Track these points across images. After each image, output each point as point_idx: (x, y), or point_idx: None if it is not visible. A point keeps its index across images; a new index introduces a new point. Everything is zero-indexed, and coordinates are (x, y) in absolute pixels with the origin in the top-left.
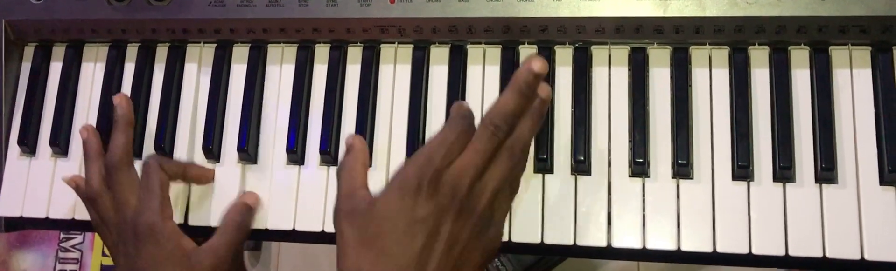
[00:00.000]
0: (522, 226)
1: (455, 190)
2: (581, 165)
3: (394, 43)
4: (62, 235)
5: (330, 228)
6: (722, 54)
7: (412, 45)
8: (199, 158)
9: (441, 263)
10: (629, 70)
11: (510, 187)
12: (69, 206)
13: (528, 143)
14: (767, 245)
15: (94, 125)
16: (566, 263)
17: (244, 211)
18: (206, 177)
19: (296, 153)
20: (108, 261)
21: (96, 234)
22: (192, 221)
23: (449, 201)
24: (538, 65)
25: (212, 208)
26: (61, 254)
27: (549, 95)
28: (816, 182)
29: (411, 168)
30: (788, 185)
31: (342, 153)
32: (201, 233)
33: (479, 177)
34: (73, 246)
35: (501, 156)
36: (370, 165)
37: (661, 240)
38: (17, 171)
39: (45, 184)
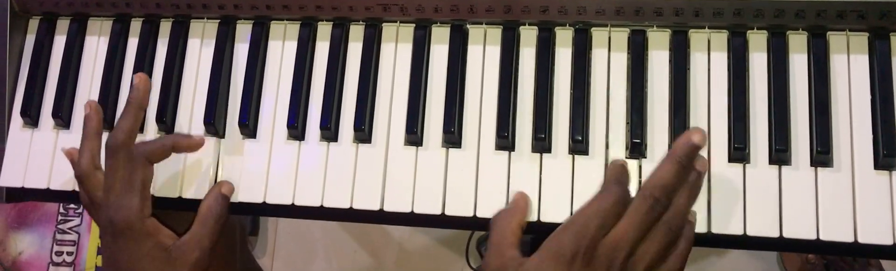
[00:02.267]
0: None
1: (610, 263)
2: (579, 145)
3: (396, 22)
4: (60, 217)
5: (329, 204)
6: (720, 38)
7: (414, 25)
8: (200, 133)
9: None
10: (628, 52)
11: (675, 266)
12: (70, 178)
13: (685, 219)
14: (763, 227)
15: (97, 99)
16: None
17: (220, 200)
18: (195, 145)
19: (296, 129)
20: None
21: None
22: (187, 195)
23: None
24: (698, 137)
25: (211, 183)
26: (58, 236)
27: (705, 169)
28: (812, 165)
29: (567, 235)
30: (784, 168)
31: (343, 130)
32: (197, 207)
33: (634, 251)
34: (70, 228)
35: (658, 231)
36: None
37: None
38: (20, 142)
39: (46, 156)
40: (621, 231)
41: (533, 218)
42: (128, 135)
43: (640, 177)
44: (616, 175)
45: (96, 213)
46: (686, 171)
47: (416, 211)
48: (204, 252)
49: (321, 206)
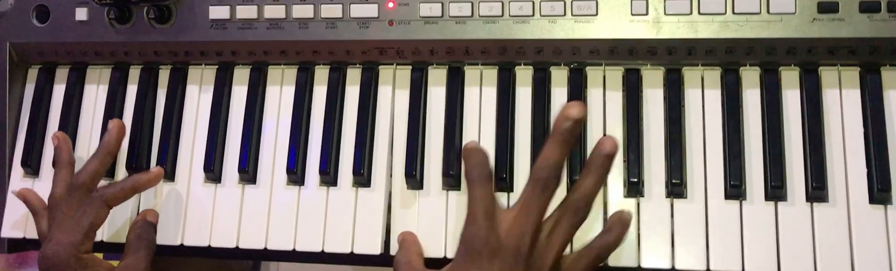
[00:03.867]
0: None
1: (517, 251)
2: None
3: (392, 64)
4: None
5: (329, 248)
6: (714, 75)
7: (410, 67)
8: (200, 179)
9: None
10: (623, 90)
11: (600, 252)
12: None
13: (593, 198)
14: (760, 263)
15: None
16: None
17: (147, 226)
18: (154, 178)
19: (296, 173)
20: None
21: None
22: (188, 242)
23: (513, 260)
24: (575, 110)
25: (212, 229)
26: None
27: (614, 149)
28: (807, 201)
29: (466, 231)
30: (780, 204)
31: (343, 175)
32: (198, 253)
33: (541, 232)
34: None
35: (566, 214)
36: (423, 254)
37: (655, 259)
38: None
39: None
40: (520, 215)
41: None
42: (91, 176)
43: (638, 215)
44: (470, 156)
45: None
46: (568, 147)
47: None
48: None
49: (322, 252)
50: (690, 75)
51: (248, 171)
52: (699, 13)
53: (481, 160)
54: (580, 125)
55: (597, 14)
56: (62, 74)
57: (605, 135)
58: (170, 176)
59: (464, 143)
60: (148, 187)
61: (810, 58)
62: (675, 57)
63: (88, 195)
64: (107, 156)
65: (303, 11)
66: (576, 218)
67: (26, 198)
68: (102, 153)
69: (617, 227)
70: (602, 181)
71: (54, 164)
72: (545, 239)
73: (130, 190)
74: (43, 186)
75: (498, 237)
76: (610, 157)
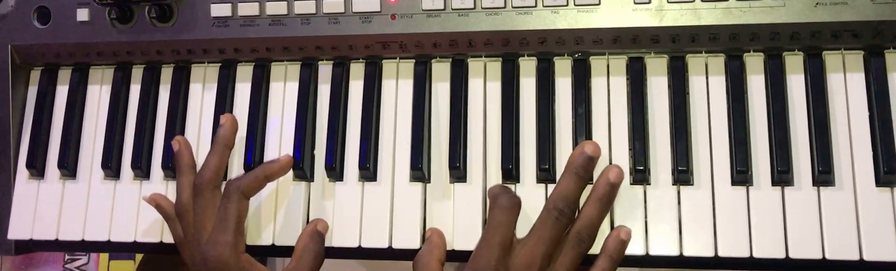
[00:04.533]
0: None
1: None
2: None
3: (396, 58)
4: (67, 256)
5: (337, 243)
6: (718, 61)
7: (414, 60)
8: None
9: None
10: (627, 79)
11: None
12: (79, 228)
13: (597, 229)
14: (768, 248)
15: (101, 146)
16: None
17: (316, 237)
18: (286, 167)
19: (302, 169)
20: None
21: (100, 254)
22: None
23: None
24: (591, 148)
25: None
26: None
27: (618, 178)
28: (814, 185)
29: (479, 256)
30: (787, 189)
31: (349, 170)
32: None
33: (548, 264)
34: (77, 268)
35: (570, 243)
36: (444, 262)
37: (663, 246)
38: (26, 194)
39: (54, 207)
40: (532, 246)
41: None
42: (215, 172)
43: (645, 203)
44: (497, 190)
45: (187, 251)
46: (583, 182)
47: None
48: None
49: (330, 246)
50: (694, 62)
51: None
52: (702, 0)
53: (508, 190)
54: (595, 162)
55: (599, 3)
56: (65, 75)
57: (610, 123)
58: (173, 175)
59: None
60: (280, 175)
61: (814, 42)
62: (679, 44)
63: (218, 191)
64: (225, 150)
65: (304, 7)
66: (580, 248)
67: (159, 203)
68: (220, 147)
69: (616, 251)
70: (606, 210)
71: (177, 170)
72: (550, 268)
73: (264, 179)
74: (48, 188)
75: (507, 267)
76: (615, 187)
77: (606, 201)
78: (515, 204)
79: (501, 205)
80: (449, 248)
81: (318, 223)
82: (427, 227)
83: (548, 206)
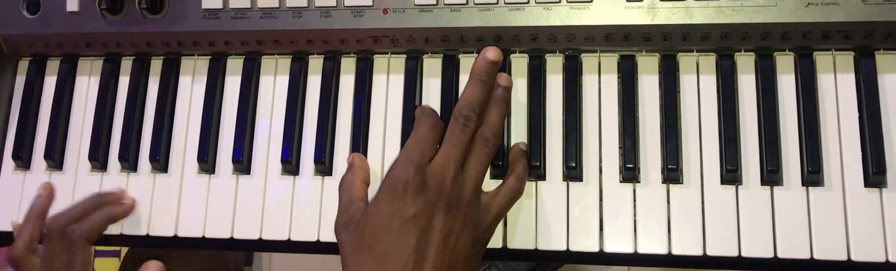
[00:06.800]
0: (516, 233)
1: (440, 184)
2: (573, 171)
3: (387, 53)
4: None
5: (325, 238)
6: (709, 61)
7: (405, 55)
8: (193, 169)
9: (437, 256)
10: (618, 77)
11: (514, 184)
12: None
13: (500, 130)
14: (757, 247)
15: (89, 139)
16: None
17: None
18: (128, 210)
19: (290, 163)
20: None
21: None
22: (182, 233)
23: (436, 196)
24: (493, 53)
25: (206, 219)
26: None
27: (509, 83)
28: (803, 185)
29: (395, 169)
30: (776, 189)
31: (338, 164)
32: (193, 244)
33: (461, 169)
34: None
35: (476, 146)
36: (369, 183)
37: (652, 244)
38: (12, 185)
39: None
40: (444, 152)
41: (530, 246)
42: (31, 243)
43: (634, 201)
44: (423, 110)
45: None
46: (488, 87)
47: None
48: None
49: (318, 241)
50: (686, 61)
51: (243, 162)
52: None
53: (433, 111)
54: (497, 66)
55: (592, 1)
56: (53, 66)
57: (600, 121)
58: (163, 167)
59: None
60: (122, 217)
61: (805, 42)
62: (671, 43)
63: (63, 240)
64: (39, 220)
65: (296, 0)
66: (487, 147)
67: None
68: (35, 216)
69: (519, 158)
70: (505, 111)
71: (26, 215)
72: (463, 173)
73: (106, 222)
74: (34, 178)
75: (424, 175)
76: (508, 89)
77: (503, 103)
78: (438, 124)
79: (425, 123)
80: None
81: (149, 265)
82: None
83: (455, 114)
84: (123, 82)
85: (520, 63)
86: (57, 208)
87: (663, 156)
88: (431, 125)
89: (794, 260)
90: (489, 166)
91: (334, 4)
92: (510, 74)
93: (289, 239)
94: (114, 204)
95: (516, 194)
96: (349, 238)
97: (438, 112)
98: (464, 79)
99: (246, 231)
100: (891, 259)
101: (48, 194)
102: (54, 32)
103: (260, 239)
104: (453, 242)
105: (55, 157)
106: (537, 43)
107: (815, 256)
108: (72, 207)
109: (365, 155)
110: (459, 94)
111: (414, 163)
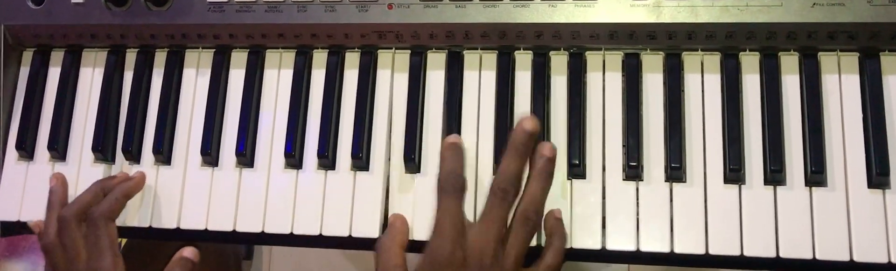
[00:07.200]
0: None
1: (480, 262)
2: (576, 169)
3: (391, 48)
4: None
5: (327, 232)
6: (713, 60)
7: (409, 51)
8: (197, 162)
9: None
10: (623, 75)
11: (552, 260)
12: None
13: (541, 206)
14: (759, 247)
15: (93, 130)
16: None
17: (186, 263)
18: (140, 184)
19: (293, 157)
20: None
21: None
22: (185, 225)
23: None
24: (529, 124)
25: (208, 212)
26: None
27: (553, 154)
28: (806, 185)
29: (435, 243)
30: (779, 188)
31: (341, 159)
32: (195, 236)
33: (502, 245)
34: None
35: (516, 223)
36: (405, 247)
37: (654, 243)
38: (15, 176)
39: (42, 189)
40: (482, 228)
41: (532, 242)
42: (84, 207)
43: (637, 199)
44: (444, 170)
45: None
46: (525, 158)
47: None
48: None
49: (320, 235)
50: (690, 60)
51: (246, 155)
52: None
53: (457, 168)
54: (534, 138)
55: None
56: (57, 57)
57: (604, 119)
58: (166, 159)
59: (446, 137)
60: (137, 192)
61: (810, 43)
62: (675, 41)
63: (82, 224)
64: (58, 206)
65: None
66: (528, 226)
67: (40, 230)
68: (57, 206)
69: (558, 229)
70: (548, 185)
71: (48, 205)
72: (503, 249)
73: (123, 198)
74: (37, 169)
75: (464, 250)
76: (551, 161)
77: (546, 176)
78: (460, 189)
79: (447, 189)
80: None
81: (186, 250)
82: (419, 218)
83: (493, 189)
84: (127, 74)
85: (524, 60)
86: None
87: (667, 155)
88: (453, 192)
89: (797, 261)
90: (529, 243)
91: None
92: (514, 71)
93: (291, 233)
94: (125, 181)
95: (555, 269)
96: None
97: (440, 109)
98: (468, 75)
99: (248, 224)
100: (893, 260)
101: (62, 183)
102: (59, 23)
103: (262, 232)
104: None
105: (59, 148)
106: (542, 40)
107: (818, 256)
108: (80, 196)
109: (369, 150)
110: (463, 92)
111: (448, 236)
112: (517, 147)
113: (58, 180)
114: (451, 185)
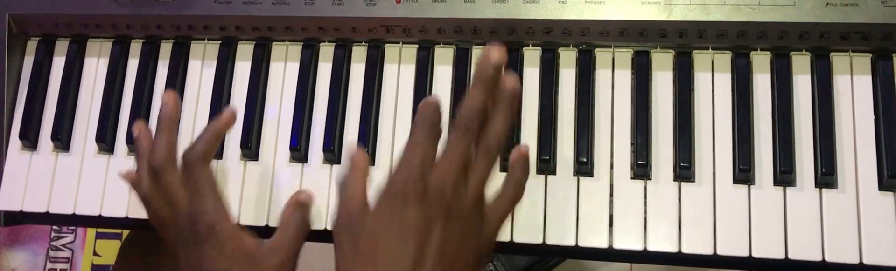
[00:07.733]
0: (524, 227)
1: (440, 194)
2: (584, 167)
3: (398, 43)
4: (53, 234)
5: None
6: (724, 59)
7: (417, 45)
8: None
9: (436, 266)
10: (632, 73)
11: (513, 192)
12: (70, 201)
13: (503, 138)
14: (767, 248)
15: (97, 120)
16: (561, 266)
17: (300, 207)
18: (231, 121)
19: (299, 151)
20: (99, 261)
21: (87, 232)
22: None
23: (436, 206)
24: (496, 54)
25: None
26: (52, 253)
27: (516, 87)
28: (816, 186)
29: (396, 176)
30: (789, 189)
31: (345, 153)
32: None
33: (463, 178)
34: (64, 245)
35: (479, 156)
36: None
37: (662, 242)
38: (18, 165)
39: (46, 179)
40: (444, 161)
41: (538, 240)
42: (167, 150)
43: (645, 198)
44: (422, 109)
45: (172, 231)
46: (491, 90)
47: None
48: (288, 257)
49: (325, 230)
50: (701, 59)
51: (251, 148)
52: None
53: (435, 111)
54: (500, 70)
55: None
56: (62, 47)
57: (613, 117)
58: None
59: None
60: (228, 129)
61: (822, 43)
62: (686, 40)
63: (177, 168)
64: (173, 127)
65: None
66: (489, 157)
67: (133, 180)
68: (167, 124)
69: (519, 162)
70: (509, 118)
71: (138, 156)
72: (464, 183)
73: (215, 138)
74: (40, 159)
75: (425, 183)
76: (515, 93)
77: (509, 110)
78: (435, 127)
79: (422, 126)
80: None
81: (300, 194)
82: None
83: (457, 122)
84: (132, 64)
85: (532, 56)
86: (60, 192)
87: (676, 154)
88: (428, 129)
89: (806, 262)
90: (491, 174)
91: None
92: (522, 67)
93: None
94: (214, 120)
95: (516, 201)
96: (346, 238)
97: (449, 105)
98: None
99: (252, 217)
100: None
101: (174, 102)
102: (64, 13)
103: (266, 225)
104: (451, 255)
105: (62, 139)
106: (551, 36)
107: (827, 258)
108: (157, 141)
109: (374, 143)
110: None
111: (414, 169)
112: (484, 79)
113: (140, 129)
114: (431, 122)
